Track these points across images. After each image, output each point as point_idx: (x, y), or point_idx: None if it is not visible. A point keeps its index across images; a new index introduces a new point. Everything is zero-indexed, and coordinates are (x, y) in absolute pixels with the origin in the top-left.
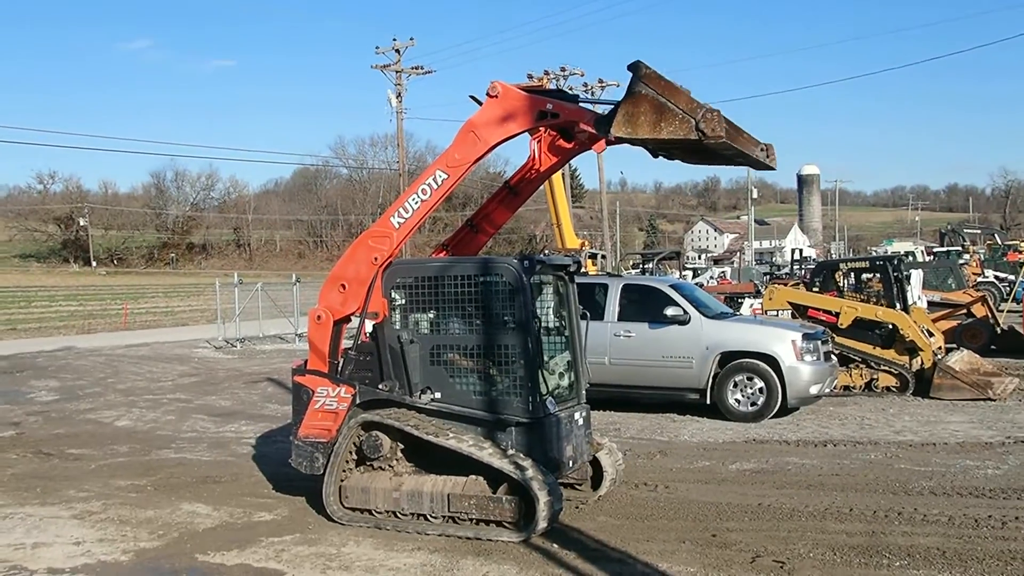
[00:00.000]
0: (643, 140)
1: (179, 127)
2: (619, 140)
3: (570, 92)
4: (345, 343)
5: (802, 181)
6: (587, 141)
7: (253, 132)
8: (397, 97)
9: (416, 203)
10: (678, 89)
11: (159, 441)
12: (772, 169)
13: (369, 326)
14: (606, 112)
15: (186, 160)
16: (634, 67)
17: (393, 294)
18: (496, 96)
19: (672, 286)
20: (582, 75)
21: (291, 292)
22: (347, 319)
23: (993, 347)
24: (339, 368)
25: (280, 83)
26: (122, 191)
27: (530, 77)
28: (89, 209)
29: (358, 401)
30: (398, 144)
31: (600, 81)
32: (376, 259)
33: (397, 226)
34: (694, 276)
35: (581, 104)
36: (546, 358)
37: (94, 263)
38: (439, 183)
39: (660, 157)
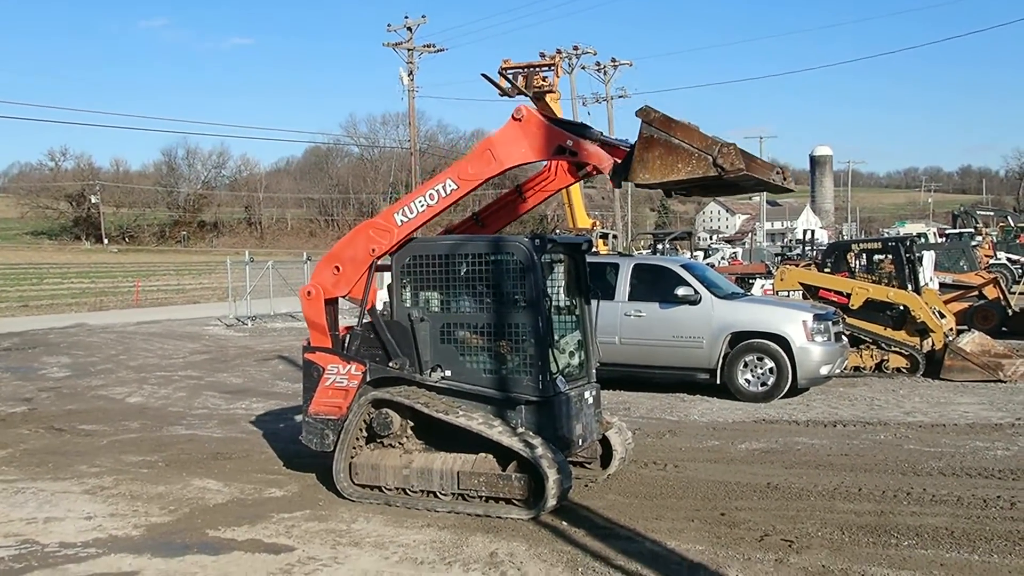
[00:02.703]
0: (662, 184)
1: (190, 105)
2: (638, 185)
3: (588, 127)
4: (352, 321)
5: (815, 162)
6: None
7: (264, 110)
8: (409, 75)
9: (422, 206)
10: (689, 128)
11: (170, 417)
12: (790, 191)
13: (380, 304)
14: (622, 149)
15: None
16: (642, 113)
17: (404, 272)
18: (519, 120)
19: (683, 266)
20: (594, 54)
21: (302, 270)
22: (336, 301)
23: (1004, 329)
24: (346, 344)
25: (291, 61)
26: (133, 169)
27: (542, 55)
28: (100, 186)
29: (368, 379)
30: (409, 122)
31: (613, 60)
32: (374, 250)
33: (399, 224)
34: (705, 256)
35: (602, 142)
36: (556, 337)
37: (106, 240)
38: (447, 192)
39: (676, 196)
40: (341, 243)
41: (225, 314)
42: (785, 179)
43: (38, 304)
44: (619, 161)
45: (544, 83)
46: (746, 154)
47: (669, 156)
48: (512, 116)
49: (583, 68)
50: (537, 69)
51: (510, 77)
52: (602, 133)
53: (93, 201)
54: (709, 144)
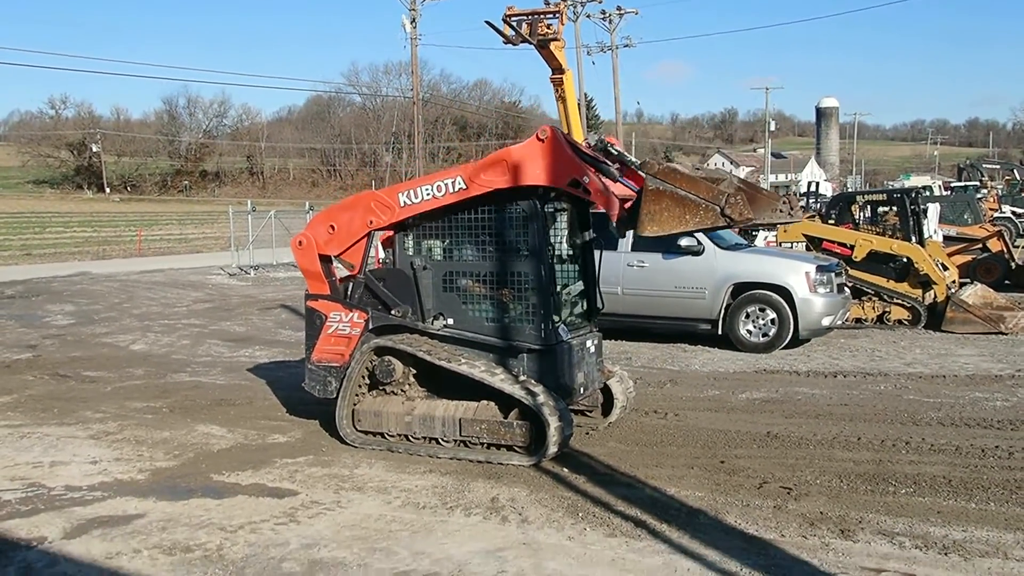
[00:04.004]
0: (671, 234)
1: (191, 53)
2: (643, 235)
3: (614, 150)
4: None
5: (820, 114)
6: None
7: (266, 59)
8: (411, 23)
9: (428, 194)
10: (695, 179)
11: (174, 365)
12: (798, 220)
13: (383, 252)
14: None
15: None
16: (646, 166)
17: (407, 220)
18: (542, 141)
19: None
20: (600, 2)
21: (304, 220)
22: (328, 259)
23: (1007, 282)
24: (349, 294)
25: (292, 9)
26: (134, 117)
27: (547, 3)
28: (101, 135)
29: (371, 326)
30: (412, 71)
31: (618, 8)
32: (371, 222)
33: (402, 204)
34: None
35: (620, 161)
36: (559, 286)
37: (107, 190)
38: (455, 189)
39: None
40: (341, 205)
41: (228, 263)
42: (792, 209)
43: (41, 253)
44: (626, 211)
45: (549, 31)
46: (751, 187)
47: (677, 208)
48: (536, 135)
49: (588, 16)
50: (541, 17)
51: (514, 24)
52: (621, 154)
53: (94, 150)
54: (716, 194)
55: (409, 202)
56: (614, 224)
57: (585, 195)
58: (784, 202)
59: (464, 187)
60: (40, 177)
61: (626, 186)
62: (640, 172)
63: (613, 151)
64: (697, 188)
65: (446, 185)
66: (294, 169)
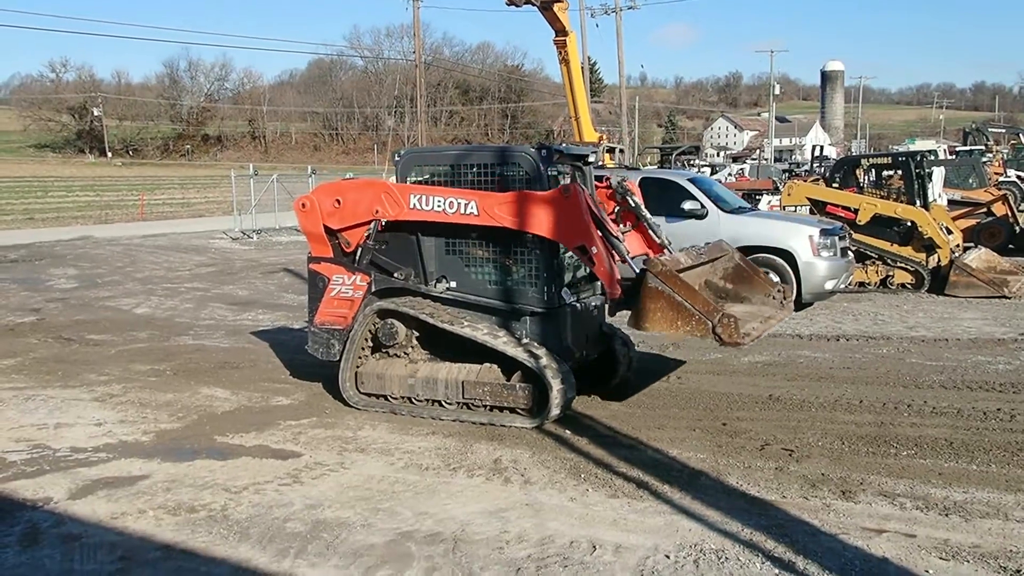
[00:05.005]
0: (660, 334)
1: (192, 15)
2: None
3: (632, 200)
4: None
5: (825, 78)
6: None
7: (267, 21)
8: None
9: (439, 205)
10: (694, 290)
11: (177, 328)
12: (788, 314)
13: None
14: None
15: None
16: (649, 264)
17: (409, 181)
18: (565, 198)
19: (690, 180)
20: None
21: (307, 184)
22: (329, 231)
23: (1012, 246)
24: (357, 258)
25: None
26: (135, 81)
27: None
28: (103, 99)
29: (373, 289)
30: (414, 34)
31: None
32: (377, 211)
33: (411, 206)
34: (712, 173)
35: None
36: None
37: (109, 154)
38: (465, 211)
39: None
40: (353, 185)
41: (230, 227)
42: (785, 299)
43: (43, 217)
44: (622, 297)
45: None
46: (748, 266)
47: (671, 311)
48: (561, 188)
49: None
50: None
51: None
52: (638, 206)
53: (95, 114)
54: (711, 310)
55: (418, 207)
56: (608, 301)
57: (588, 264)
58: (779, 291)
59: (476, 214)
60: (42, 141)
61: (632, 267)
62: (643, 268)
63: (631, 201)
64: (694, 299)
65: (459, 205)
66: (296, 133)
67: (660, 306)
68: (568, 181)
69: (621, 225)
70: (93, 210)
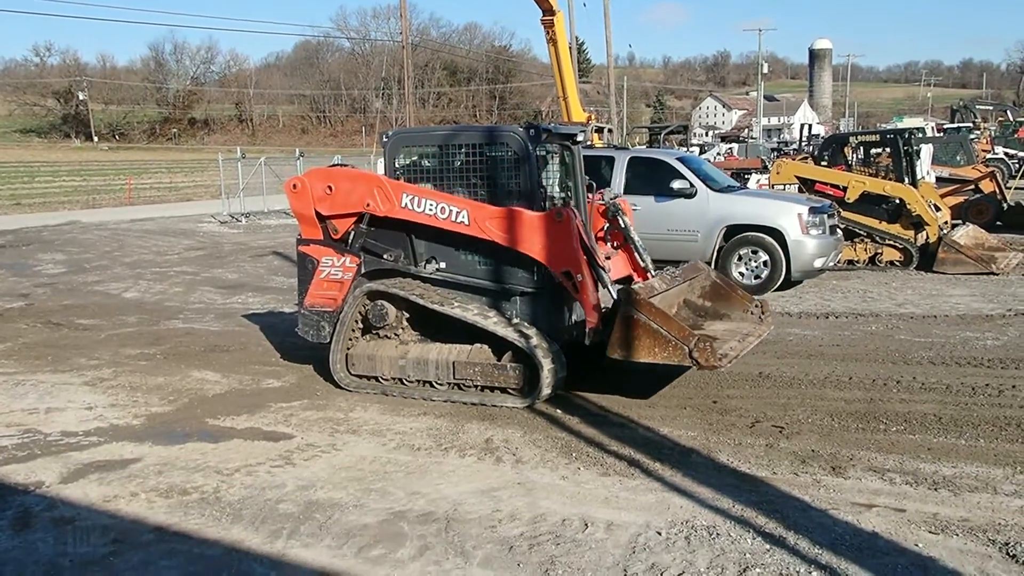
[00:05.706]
0: (638, 362)
1: None
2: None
3: (622, 220)
4: None
5: (814, 56)
6: None
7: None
8: None
9: (431, 209)
10: (670, 317)
11: (167, 312)
12: (768, 331)
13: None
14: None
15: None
16: (627, 293)
17: (397, 163)
18: (558, 221)
19: (679, 159)
20: None
21: (295, 167)
22: (320, 216)
23: (999, 223)
24: (350, 242)
25: None
26: (120, 64)
27: None
28: (88, 83)
29: (363, 271)
30: (401, 15)
31: None
32: (368, 205)
33: (403, 205)
34: (701, 152)
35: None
36: None
37: (95, 138)
38: (456, 219)
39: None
40: (348, 173)
41: (219, 211)
42: (763, 313)
43: (30, 202)
44: (600, 326)
45: None
46: (725, 283)
47: (647, 339)
48: (555, 211)
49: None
50: None
51: None
52: (627, 227)
53: (81, 98)
54: (686, 336)
55: (410, 207)
56: (586, 330)
57: (572, 291)
58: (756, 305)
59: (467, 223)
60: (27, 126)
61: (612, 294)
62: (616, 298)
63: (621, 221)
64: (670, 326)
65: (451, 212)
66: (284, 116)
67: (638, 334)
68: (562, 206)
69: (609, 245)
70: (80, 195)
